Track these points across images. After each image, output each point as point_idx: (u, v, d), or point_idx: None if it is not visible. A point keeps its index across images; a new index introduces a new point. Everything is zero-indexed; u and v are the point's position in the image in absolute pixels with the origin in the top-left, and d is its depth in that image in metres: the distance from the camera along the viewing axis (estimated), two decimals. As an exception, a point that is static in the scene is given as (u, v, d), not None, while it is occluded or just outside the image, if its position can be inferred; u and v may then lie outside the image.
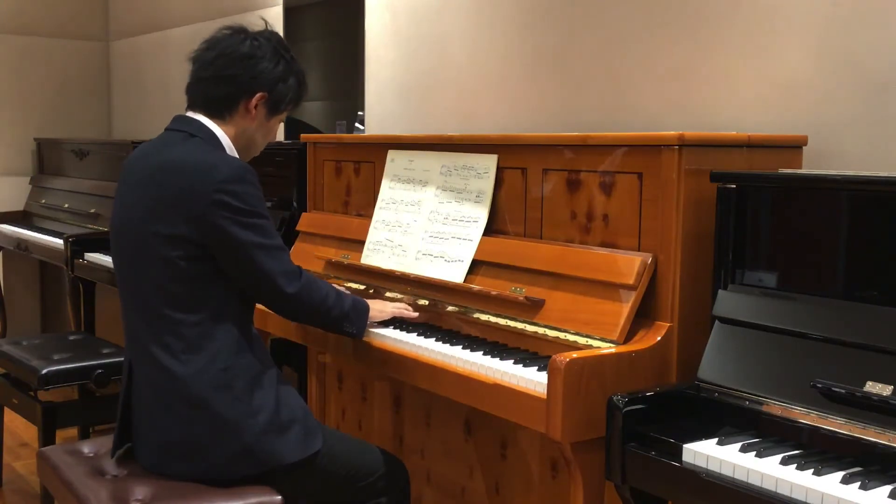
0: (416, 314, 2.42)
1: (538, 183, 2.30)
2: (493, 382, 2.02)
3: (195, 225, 1.99)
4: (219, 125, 2.14)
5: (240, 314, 2.09)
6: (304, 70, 2.25)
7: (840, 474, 1.50)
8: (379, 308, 2.38)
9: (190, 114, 2.15)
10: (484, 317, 2.30)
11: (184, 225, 1.99)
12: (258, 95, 2.13)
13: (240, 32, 2.16)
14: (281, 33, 3.90)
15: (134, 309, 2.10)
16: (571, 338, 2.06)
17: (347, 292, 2.33)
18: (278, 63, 2.15)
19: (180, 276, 2.01)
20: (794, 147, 2.16)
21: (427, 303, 2.47)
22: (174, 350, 2.02)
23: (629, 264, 2.01)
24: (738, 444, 1.65)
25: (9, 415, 3.58)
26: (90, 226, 4.58)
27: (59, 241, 4.35)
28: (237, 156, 2.16)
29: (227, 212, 1.98)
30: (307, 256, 2.94)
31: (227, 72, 2.11)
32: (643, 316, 2.01)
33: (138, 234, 2.06)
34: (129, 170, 2.16)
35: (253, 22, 2.27)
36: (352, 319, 2.26)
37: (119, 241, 2.15)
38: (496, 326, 2.26)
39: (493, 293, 2.27)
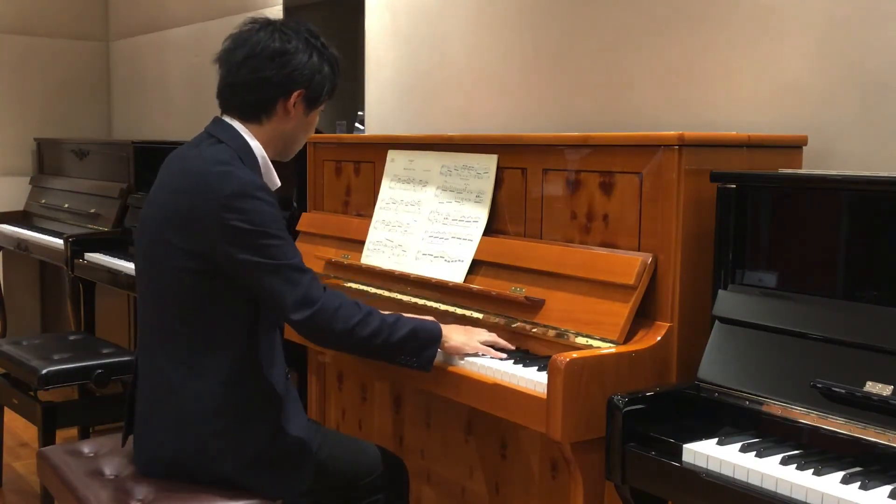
0: (505, 356, 2.10)
1: (538, 183, 2.30)
2: (493, 382, 2.02)
3: (201, 240, 1.92)
4: (254, 130, 2.04)
5: (246, 337, 1.99)
6: (336, 54, 2.12)
7: (840, 474, 1.50)
8: (462, 340, 2.11)
9: (226, 118, 2.07)
10: (484, 317, 2.30)
11: (190, 239, 1.93)
12: (296, 93, 2.03)
13: (267, 26, 2.04)
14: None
15: (144, 312, 2.08)
16: (571, 338, 2.06)
17: (415, 318, 2.09)
18: (311, 54, 2.03)
19: (184, 289, 1.96)
20: (794, 147, 2.16)
21: (427, 303, 2.47)
22: (175, 362, 1.98)
23: (629, 264, 2.01)
24: (738, 444, 1.65)
25: (9, 415, 3.58)
26: (90, 226, 4.58)
27: (59, 241, 4.35)
28: (271, 157, 2.08)
29: (228, 231, 1.89)
30: (307, 256, 2.92)
31: (260, 74, 2.00)
32: (643, 316, 2.01)
33: (152, 238, 2.02)
34: (164, 169, 2.08)
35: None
36: (409, 351, 2.04)
37: (139, 239, 2.10)
38: (496, 326, 2.26)
39: (494, 293, 2.27)
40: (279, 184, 2.14)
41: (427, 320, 2.13)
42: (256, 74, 2.01)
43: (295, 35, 2.04)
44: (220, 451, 1.96)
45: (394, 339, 2.02)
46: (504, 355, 2.11)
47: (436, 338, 2.08)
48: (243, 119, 2.05)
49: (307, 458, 2.05)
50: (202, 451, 1.97)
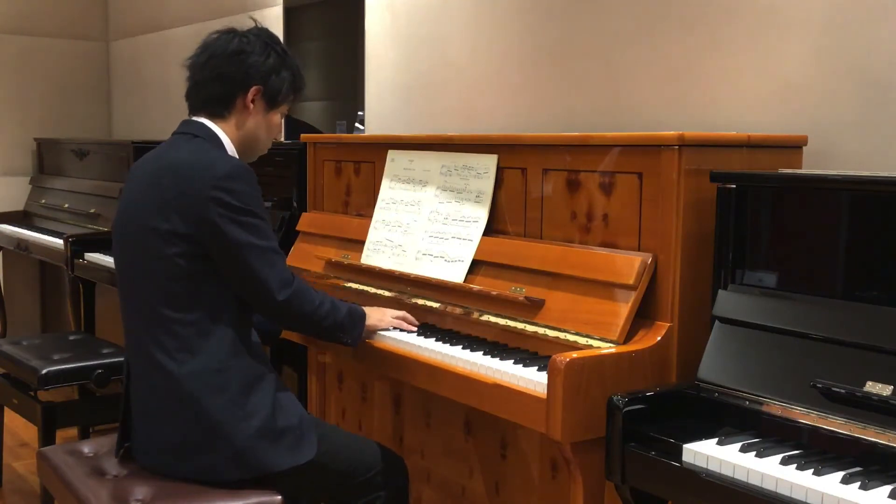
0: (416, 328, 2.38)
1: (538, 183, 2.31)
2: (493, 382, 2.02)
3: (192, 222, 2.00)
4: (220, 125, 2.17)
5: (238, 316, 2.08)
6: (298, 62, 2.27)
7: (840, 474, 1.50)
8: (378, 317, 2.36)
9: (194, 117, 2.19)
10: (484, 317, 2.30)
11: (181, 222, 2.00)
12: (253, 89, 2.16)
13: (228, 32, 2.20)
14: (281, 33, 3.91)
15: (133, 308, 2.11)
16: (571, 338, 2.06)
17: (343, 301, 2.29)
18: (269, 56, 2.18)
19: (177, 274, 2.02)
20: (794, 147, 2.16)
21: (427, 303, 2.47)
22: (170, 349, 2.02)
23: (629, 264, 2.01)
24: (738, 444, 1.65)
25: (9, 415, 3.58)
26: (90, 226, 4.58)
27: (59, 241, 4.35)
28: (237, 155, 2.18)
29: (223, 209, 1.99)
30: (307, 256, 2.94)
31: (219, 71, 2.15)
32: (643, 316, 2.01)
33: (138, 231, 2.07)
34: (134, 172, 2.19)
35: (247, 23, 2.28)
36: (346, 329, 2.25)
37: (120, 239, 2.16)
38: (496, 326, 2.26)
39: (494, 293, 2.27)
40: None
41: (351, 304, 2.32)
42: (216, 71, 2.16)
43: (255, 38, 2.20)
44: (228, 427, 2.00)
45: (339, 318, 2.22)
46: (415, 328, 2.36)
47: (363, 316, 2.30)
48: (210, 116, 2.17)
49: (309, 430, 2.10)
50: (211, 430, 2.00)
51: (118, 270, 2.19)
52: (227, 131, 2.17)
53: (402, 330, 2.37)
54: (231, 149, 2.17)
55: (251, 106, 2.17)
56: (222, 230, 2.00)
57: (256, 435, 2.01)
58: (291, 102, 2.29)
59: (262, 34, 2.22)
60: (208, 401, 2.00)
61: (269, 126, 2.24)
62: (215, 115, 2.17)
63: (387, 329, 2.36)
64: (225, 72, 2.15)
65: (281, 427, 2.05)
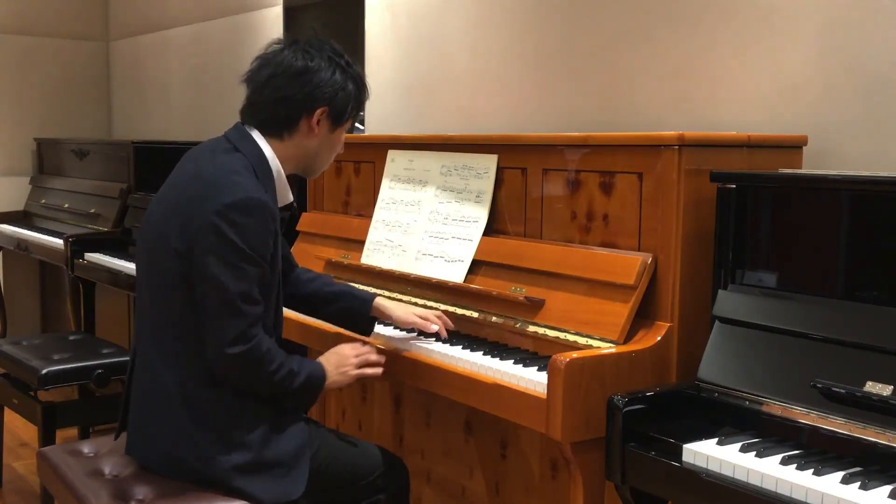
0: (380, 370, 2.21)
1: (538, 183, 2.31)
2: (493, 382, 2.02)
3: (189, 241, 1.92)
4: (274, 145, 2.06)
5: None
6: (360, 72, 2.15)
7: (840, 474, 1.50)
8: (336, 377, 2.15)
9: (247, 127, 2.08)
10: (484, 317, 2.30)
11: (184, 241, 1.93)
12: (319, 111, 2.05)
13: (291, 45, 2.07)
14: (281, 33, 3.90)
15: (140, 307, 2.09)
16: (571, 338, 2.06)
17: (309, 362, 2.09)
18: (334, 72, 2.06)
19: (175, 291, 1.96)
20: (794, 147, 2.17)
21: (426, 303, 2.47)
22: (167, 362, 1.98)
23: (629, 264, 2.01)
24: (738, 444, 1.65)
25: (9, 415, 3.58)
26: (90, 226, 4.58)
27: (59, 241, 4.35)
28: (284, 175, 2.08)
29: (216, 238, 1.89)
30: (307, 256, 2.94)
31: (282, 92, 2.03)
32: (643, 316, 2.01)
33: (154, 236, 2.02)
34: (178, 169, 2.09)
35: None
36: (296, 396, 2.04)
37: (141, 237, 2.10)
38: (496, 326, 2.26)
39: (494, 293, 2.27)
40: (291, 199, 2.16)
41: (315, 365, 2.11)
42: (279, 93, 2.03)
43: (318, 53, 2.06)
44: (213, 455, 1.96)
45: (291, 388, 2.02)
46: (379, 371, 2.20)
47: (320, 383, 2.09)
48: (264, 132, 2.07)
49: (302, 464, 2.03)
50: (196, 453, 1.97)
51: (137, 256, 2.14)
52: (280, 150, 2.06)
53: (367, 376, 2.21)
54: (277, 167, 2.06)
55: (316, 128, 2.06)
56: (205, 259, 1.90)
57: (238, 468, 1.95)
58: (357, 117, 2.14)
59: (326, 47, 2.08)
60: (196, 427, 1.95)
61: (333, 144, 2.14)
62: (271, 134, 2.05)
63: (349, 382, 2.19)
64: (290, 94, 2.02)
65: (269, 461, 1.98)
